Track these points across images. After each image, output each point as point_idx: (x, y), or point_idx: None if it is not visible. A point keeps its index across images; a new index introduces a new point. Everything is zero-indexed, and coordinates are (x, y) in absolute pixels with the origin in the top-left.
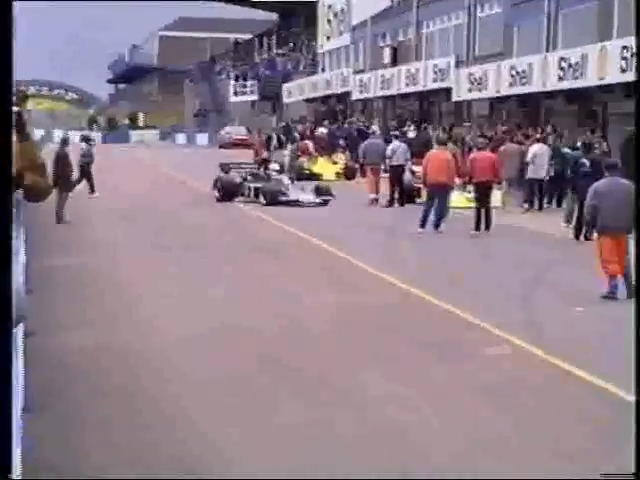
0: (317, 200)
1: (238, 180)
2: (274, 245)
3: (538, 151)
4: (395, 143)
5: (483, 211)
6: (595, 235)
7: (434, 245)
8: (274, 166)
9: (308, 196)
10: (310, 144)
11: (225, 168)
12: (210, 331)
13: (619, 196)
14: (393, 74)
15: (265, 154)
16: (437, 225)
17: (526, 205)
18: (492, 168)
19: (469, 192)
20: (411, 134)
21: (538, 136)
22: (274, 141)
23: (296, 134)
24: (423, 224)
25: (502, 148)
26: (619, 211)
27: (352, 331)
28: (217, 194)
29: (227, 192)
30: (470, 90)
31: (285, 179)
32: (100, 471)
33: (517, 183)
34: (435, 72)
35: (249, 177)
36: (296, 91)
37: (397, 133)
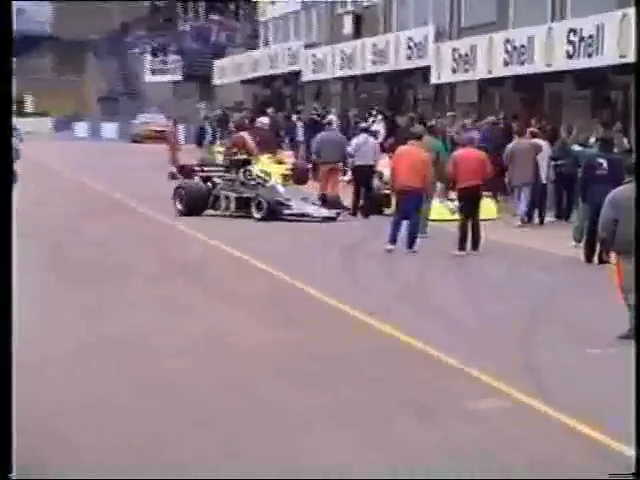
0: (328, 213)
1: (205, 188)
2: (198, 265)
3: (516, 149)
4: (361, 137)
5: (470, 225)
6: (613, 257)
7: (407, 268)
8: (255, 169)
9: (317, 209)
10: (248, 138)
11: (186, 172)
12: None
13: None
14: (356, 49)
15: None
16: (411, 243)
17: (520, 217)
18: (481, 170)
19: (452, 201)
20: (376, 126)
21: (533, 129)
22: (208, 135)
23: (232, 125)
24: (393, 240)
25: (511, 145)
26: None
27: (299, 387)
28: (179, 206)
29: (193, 204)
30: (454, 70)
31: (279, 186)
32: None
33: (532, 190)
34: (409, 47)
35: (222, 184)
36: (231, 70)
37: (365, 125)
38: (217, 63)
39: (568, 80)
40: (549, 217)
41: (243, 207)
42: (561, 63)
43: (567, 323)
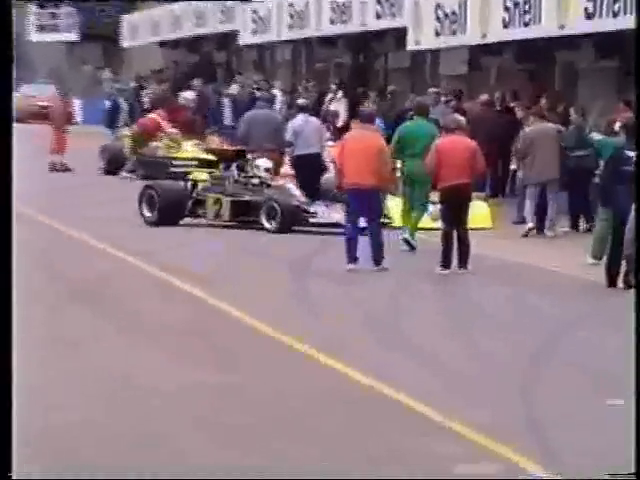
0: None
1: (184, 189)
2: (100, 287)
3: (538, 135)
4: (299, 119)
5: (456, 236)
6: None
7: (375, 291)
8: (263, 163)
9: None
10: (162, 119)
11: (159, 169)
12: None
13: None
14: (309, 4)
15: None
16: (377, 258)
17: (530, 225)
18: (470, 164)
19: (434, 204)
20: (334, 106)
21: (542, 111)
22: (123, 113)
23: (147, 101)
24: (353, 258)
25: (528, 130)
26: None
27: (226, 445)
28: (148, 213)
29: (168, 210)
30: (437, 33)
31: (291, 186)
32: None
33: (559, 188)
34: (379, 2)
35: (207, 183)
36: (146, 29)
37: (303, 102)
38: (126, 19)
39: (587, 47)
40: (561, 226)
41: (241, 214)
42: (577, 25)
43: (581, 366)
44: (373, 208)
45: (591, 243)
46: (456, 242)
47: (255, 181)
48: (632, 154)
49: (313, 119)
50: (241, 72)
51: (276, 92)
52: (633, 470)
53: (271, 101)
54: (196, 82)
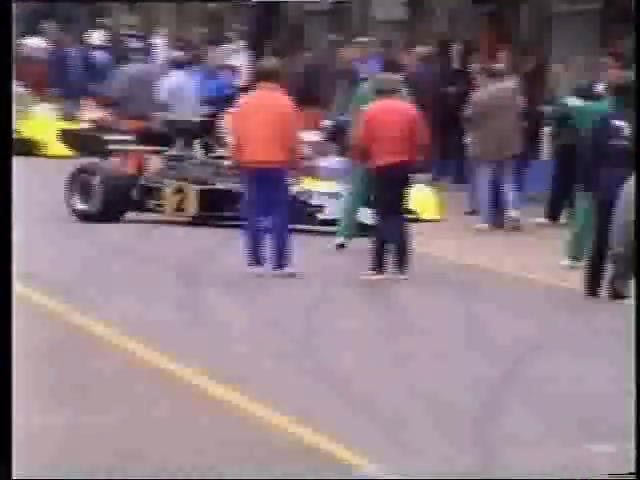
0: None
1: (128, 174)
2: None
3: (492, 101)
4: (176, 77)
5: (391, 230)
6: (634, 288)
7: (280, 304)
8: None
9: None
10: None
11: (98, 146)
12: None
13: None
14: None
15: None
16: (279, 259)
17: (481, 225)
18: (409, 136)
19: None
20: (234, 59)
21: (498, 66)
22: None
23: None
24: (255, 258)
25: (479, 93)
26: None
27: None
28: (81, 206)
29: (111, 201)
30: None
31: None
32: None
33: (517, 168)
34: None
35: (160, 167)
36: None
37: (182, 56)
38: None
39: None
40: (538, 217)
41: (213, 208)
42: None
43: (555, 401)
44: (280, 192)
45: (568, 239)
46: (392, 238)
47: (227, 162)
48: (621, 123)
49: (196, 77)
50: (110, 15)
51: (158, 41)
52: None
53: (149, 53)
54: (48, 26)
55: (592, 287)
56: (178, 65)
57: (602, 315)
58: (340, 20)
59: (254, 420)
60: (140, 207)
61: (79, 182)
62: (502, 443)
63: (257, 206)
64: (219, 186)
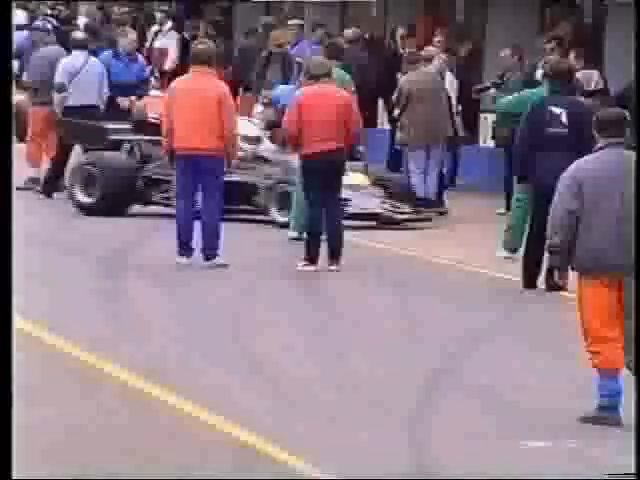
0: (413, 214)
1: (132, 164)
2: None
3: (416, 85)
4: (75, 57)
5: (324, 219)
6: (571, 277)
7: (207, 296)
8: (247, 128)
9: (384, 203)
10: None
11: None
12: None
13: (629, 193)
14: None
15: None
16: (210, 249)
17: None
18: (343, 122)
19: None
20: (161, 42)
21: (434, 49)
22: None
23: None
24: (186, 247)
25: (407, 79)
26: (629, 228)
27: None
28: (83, 198)
29: (114, 192)
30: None
31: (295, 161)
32: None
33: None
34: None
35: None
36: None
37: (80, 35)
38: None
39: None
40: (498, 207)
41: (229, 201)
42: None
43: (489, 397)
44: (213, 180)
45: (504, 229)
46: (325, 228)
47: (241, 153)
48: (559, 110)
49: (94, 61)
50: None
51: (79, 22)
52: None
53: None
54: None
55: (529, 279)
56: (77, 46)
57: (537, 306)
58: (272, 2)
59: (181, 418)
60: (143, 200)
61: (81, 173)
62: (437, 440)
63: (190, 194)
64: (234, 178)
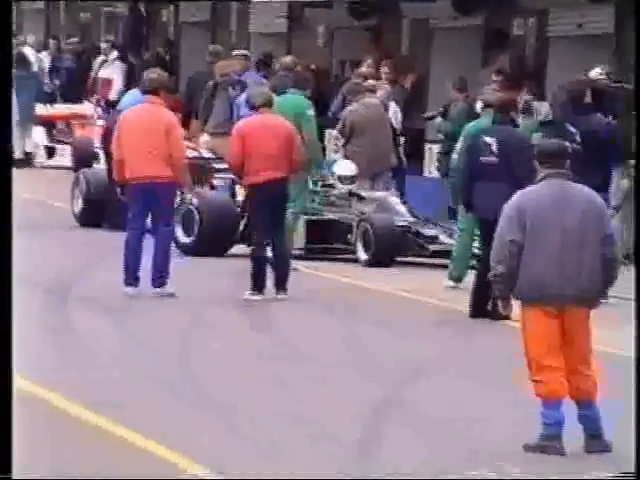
0: None
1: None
2: None
3: (360, 116)
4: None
5: (271, 249)
6: (514, 307)
7: (150, 324)
8: (344, 168)
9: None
10: None
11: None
12: None
13: (571, 223)
14: None
15: None
16: (159, 277)
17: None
18: (287, 152)
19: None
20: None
21: (372, 82)
22: None
23: None
24: (133, 277)
25: (352, 110)
26: (570, 257)
27: None
28: (183, 238)
29: (215, 234)
30: None
31: (395, 199)
32: None
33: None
34: None
35: None
36: None
37: None
38: None
39: None
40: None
41: (320, 239)
42: None
43: (433, 427)
44: (163, 208)
45: (450, 261)
46: (272, 257)
47: (337, 192)
48: (491, 140)
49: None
50: None
51: (27, 50)
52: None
53: (24, 62)
54: None
55: (476, 308)
56: None
57: (484, 336)
58: (218, 32)
59: (126, 446)
60: (246, 240)
61: (183, 212)
62: (381, 471)
63: (141, 223)
64: (326, 216)
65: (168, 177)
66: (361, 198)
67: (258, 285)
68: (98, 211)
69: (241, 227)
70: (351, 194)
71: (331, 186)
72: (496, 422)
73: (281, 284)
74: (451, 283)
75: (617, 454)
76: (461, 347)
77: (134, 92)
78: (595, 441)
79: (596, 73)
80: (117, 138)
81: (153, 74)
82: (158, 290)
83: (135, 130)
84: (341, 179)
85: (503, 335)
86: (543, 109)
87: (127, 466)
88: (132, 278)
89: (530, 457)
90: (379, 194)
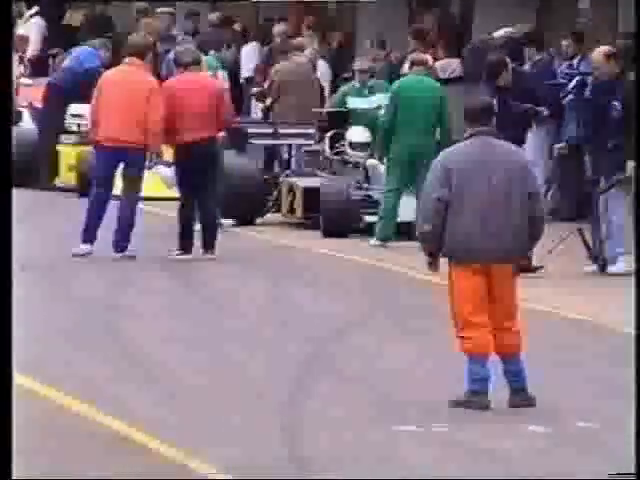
0: None
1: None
2: None
3: (289, 75)
4: None
5: (197, 208)
6: (441, 261)
7: (79, 285)
8: (356, 135)
9: None
10: None
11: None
12: None
13: (496, 181)
14: None
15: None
16: (123, 243)
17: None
18: (214, 111)
19: (169, 166)
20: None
21: (299, 40)
22: None
23: None
24: (89, 235)
25: (276, 67)
26: (496, 214)
27: None
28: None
29: (242, 203)
30: None
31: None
32: None
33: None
34: None
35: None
36: None
37: None
38: None
39: None
40: None
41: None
42: None
43: (360, 383)
44: (135, 172)
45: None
46: (199, 217)
47: (349, 160)
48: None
49: None
50: None
51: None
52: (633, 470)
53: None
54: None
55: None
56: None
57: (410, 293)
58: None
59: (55, 409)
60: (275, 208)
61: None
62: (309, 426)
63: (109, 185)
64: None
65: (141, 142)
66: (356, 165)
67: (186, 244)
68: (23, 171)
69: None
70: (346, 162)
71: (341, 152)
72: (423, 378)
73: (209, 244)
74: (375, 241)
75: (617, 454)
76: (387, 304)
77: (85, 49)
78: (519, 395)
79: (501, 33)
80: (96, 98)
81: (138, 37)
82: (120, 254)
83: (114, 92)
84: (354, 146)
85: (428, 292)
86: (451, 66)
87: (49, 425)
88: (88, 238)
89: (457, 412)
90: (371, 162)
